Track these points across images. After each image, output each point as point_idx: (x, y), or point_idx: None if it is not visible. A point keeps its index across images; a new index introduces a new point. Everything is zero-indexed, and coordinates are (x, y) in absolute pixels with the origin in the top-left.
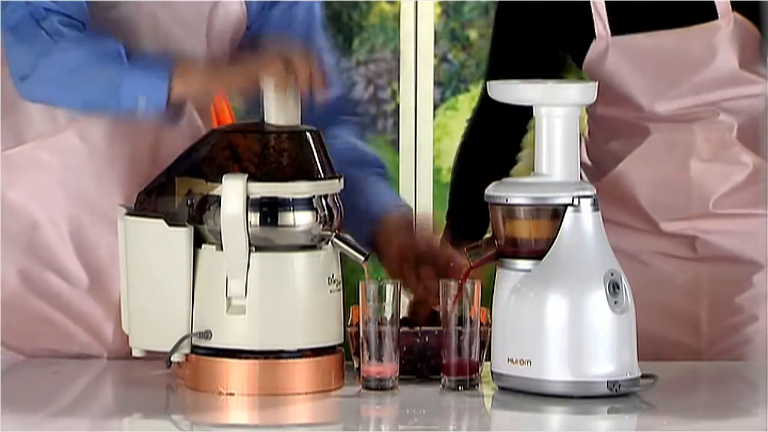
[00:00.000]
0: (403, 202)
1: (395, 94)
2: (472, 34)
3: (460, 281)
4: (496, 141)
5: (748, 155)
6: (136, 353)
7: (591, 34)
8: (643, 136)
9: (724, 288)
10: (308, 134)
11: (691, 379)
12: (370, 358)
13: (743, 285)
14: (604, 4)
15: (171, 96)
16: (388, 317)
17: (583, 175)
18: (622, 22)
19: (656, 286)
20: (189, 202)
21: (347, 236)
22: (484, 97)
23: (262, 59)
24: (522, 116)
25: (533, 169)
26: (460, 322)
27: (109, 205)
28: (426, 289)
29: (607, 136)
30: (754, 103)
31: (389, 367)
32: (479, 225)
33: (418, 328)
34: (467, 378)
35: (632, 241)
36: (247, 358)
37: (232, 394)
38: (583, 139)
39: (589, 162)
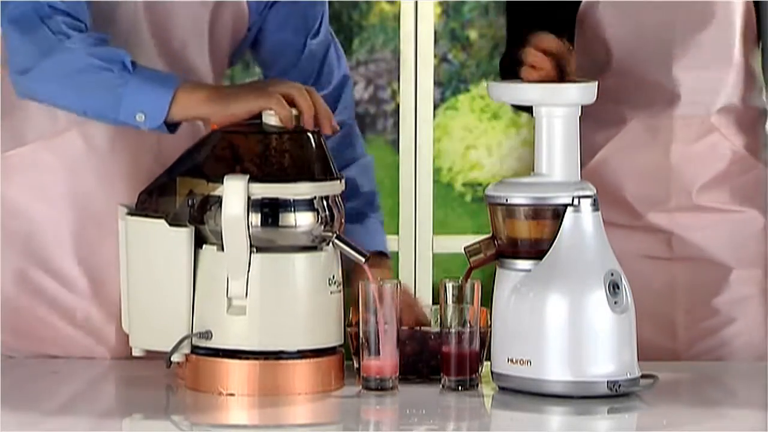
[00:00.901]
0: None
1: (395, 94)
2: (472, 34)
3: (461, 281)
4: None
5: (728, 143)
6: (136, 353)
7: None
8: (622, 123)
9: (701, 289)
10: (309, 135)
11: (691, 379)
12: (370, 356)
13: (720, 286)
14: None
15: (169, 115)
16: (388, 317)
17: None
18: None
19: (633, 288)
20: (190, 202)
21: (348, 237)
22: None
23: (264, 94)
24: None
25: (533, 169)
26: (460, 322)
27: (112, 205)
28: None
29: (588, 126)
30: (737, 92)
31: (389, 366)
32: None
33: (418, 328)
34: (467, 378)
35: (610, 240)
36: (247, 358)
37: (232, 395)
38: None
39: None
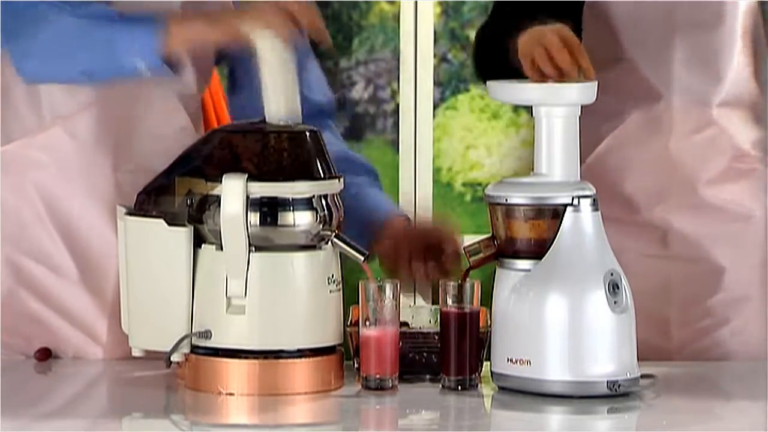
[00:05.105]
0: (402, 211)
1: (395, 94)
2: (472, 34)
3: (460, 281)
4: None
5: (728, 137)
6: (135, 353)
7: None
8: (622, 116)
9: (695, 289)
10: (308, 134)
11: (690, 379)
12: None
13: (715, 286)
14: None
15: (165, 51)
16: (388, 317)
17: None
18: None
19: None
20: (189, 201)
21: (347, 236)
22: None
23: (264, 13)
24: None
25: (533, 169)
26: (460, 322)
27: (100, 199)
28: (425, 274)
29: (592, 120)
30: (738, 81)
31: (389, 366)
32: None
33: (418, 328)
34: (467, 378)
35: (608, 237)
36: (246, 358)
37: (231, 394)
38: None
39: None
